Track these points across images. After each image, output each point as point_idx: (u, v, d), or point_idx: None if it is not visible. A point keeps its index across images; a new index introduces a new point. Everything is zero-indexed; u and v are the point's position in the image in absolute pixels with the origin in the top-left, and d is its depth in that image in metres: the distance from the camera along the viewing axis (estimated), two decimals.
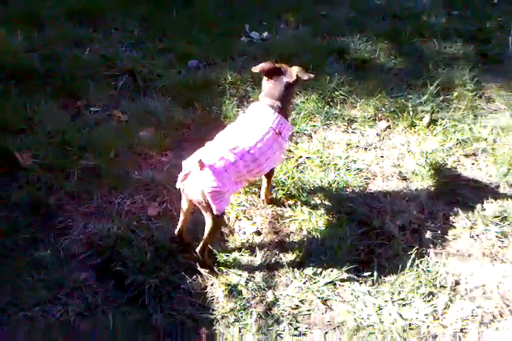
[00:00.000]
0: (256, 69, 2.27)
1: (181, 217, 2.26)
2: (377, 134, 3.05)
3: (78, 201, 2.53)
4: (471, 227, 2.49)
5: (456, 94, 3.31)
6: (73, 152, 2.73)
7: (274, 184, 2.59)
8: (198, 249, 2.19)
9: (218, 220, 2.10)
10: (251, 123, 2.18)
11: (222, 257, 2.28)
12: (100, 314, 2.06)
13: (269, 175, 2.42)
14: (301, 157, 2.83)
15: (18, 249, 2.27)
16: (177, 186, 2.06)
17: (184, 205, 2.19)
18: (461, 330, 2.09)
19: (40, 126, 2.85)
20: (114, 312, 2.07)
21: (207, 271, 2.22)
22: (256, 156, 2.09)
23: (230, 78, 3.36)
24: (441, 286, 2.23)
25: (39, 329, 2.02)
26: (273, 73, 2.25)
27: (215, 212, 2.00)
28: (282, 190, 2.60)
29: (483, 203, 2.59)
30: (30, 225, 2.38)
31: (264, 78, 2.28)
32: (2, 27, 3.58)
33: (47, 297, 2.10)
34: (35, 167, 2.62)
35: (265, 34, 3.89)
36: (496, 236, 2.45)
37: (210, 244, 2.22)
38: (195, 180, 1.98)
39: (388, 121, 3.14)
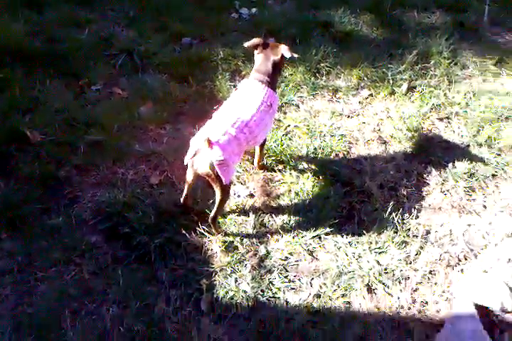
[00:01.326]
0: (247, 44, 2.42)
1: (186, 187, 2.42)
2: (360, 102, 3.23)
3: (85, 173, 2.66)
4: (442, 183, 2.72)
5: (433, 62, 3.48)
6: (79, 128, 2.86)
7: (265, 151, 2.77)
8: (210, 217, 2.36)
9: (226, 189, 2.26)
10: (245, 98, 2.34)
11: (220, 218, 2.46)
12: (111, 272, 2.24)
13: (262, 144, 2.61)
14: (289, 126, 3.00)
15: (33, 218, 2.41)
16: (185, 162, 2.21)
17: (189, 178, 2.35)
18: (430, 272, 2.35)
19: (46, 104, 2.97)
20: (123, 270, 2.24)
21: (216, 235, 2.41)
22: (253, 128, 2.25)
23: (222, 54, 3.47)
24: (413, 236, 2.47)
25: (56, 287, 2.19)
26: (263, 48, 2.41)
27: (224, 182, 2.16)
28: (272, 156, 2.78)
29: (454, 162, 2.82)
30: (42, 196, 2.51)
31: (255, 52, 2.44)
32: (4, 11, 3.66)
33: (61, 259, 2.27)
34: (44, 143, 2.75)
35: (254, 10, 4.00)
36: (464, 191, 2.69)
37: (221, 212, 2.41)
38: (204, 155, 2.13)
39: (370, 89, 3.31)
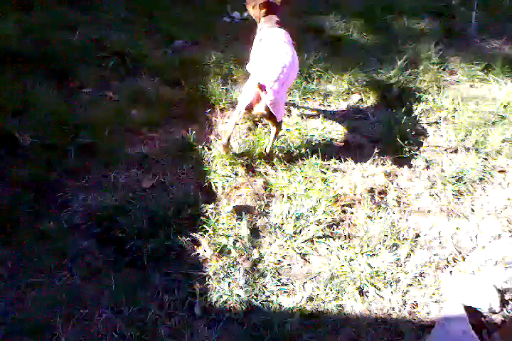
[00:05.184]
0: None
1: (232, 129, 2.68)
2: (351, 107, 3.27)
3: (76, 177, 2.63)
4: (431, 187, 2.76)
5: (422, 67, 3.54)
6: (69, 131, 2.81)
7: (257, 156, 2.81)
8: (267, 150, 2.78)
9: (280, 125, 2.67)
10: (275, 39, 2.69)
11: (211, 222, 2.46)
12: (103, 277, 2.21)
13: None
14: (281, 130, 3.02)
15: (23, 222, 2.38)
16: (243, 106, 2.52)
17: (238, 118, 2.66)
18: (421, 275, 2.38)
19: (36, 107, 2.92)
20: (116, 275, 2.21)
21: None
22: (293, 65, 2.59)
23: (214, 57, 3.47)
24: (404, 239, 2.50)
25: (47, 293, 2.16)
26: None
27: (278, 120, 2.55)
28: (265, 159, 2.80)
29: (442, 165, 2.87)
30: (32, 200, 2.48)
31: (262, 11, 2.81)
32: None
33: (52, 264, 2.24)
34: (34, 146, 2.71)
35: (246, 14, 3.98)
36: (453, 195, 2.73)
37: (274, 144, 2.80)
38: (260, 99, 2.45)
39: (360, 94, 3.35)
